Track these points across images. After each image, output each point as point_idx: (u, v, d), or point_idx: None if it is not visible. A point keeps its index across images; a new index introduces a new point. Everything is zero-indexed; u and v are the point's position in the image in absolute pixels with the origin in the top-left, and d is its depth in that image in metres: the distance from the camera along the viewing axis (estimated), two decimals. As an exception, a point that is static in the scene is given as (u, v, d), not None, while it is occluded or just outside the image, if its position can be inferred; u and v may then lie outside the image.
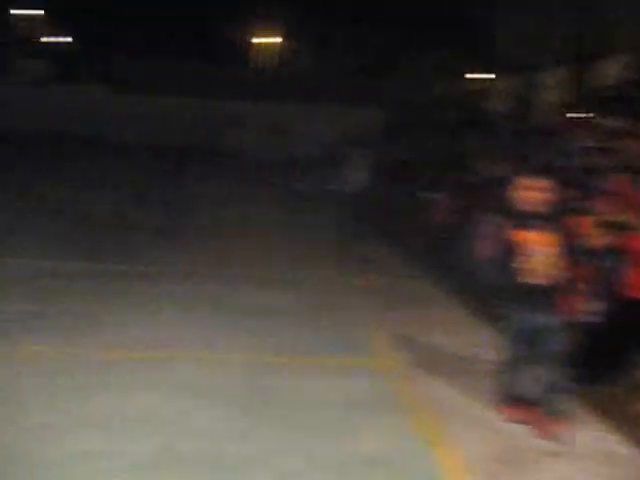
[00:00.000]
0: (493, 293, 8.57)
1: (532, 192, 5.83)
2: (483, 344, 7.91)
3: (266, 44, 36.34)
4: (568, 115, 16.21)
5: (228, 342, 7.58)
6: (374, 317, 8.98)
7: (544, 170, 10.70)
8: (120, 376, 6.43)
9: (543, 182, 5.85)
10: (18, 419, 5.46)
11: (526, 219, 5.84)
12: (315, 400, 6.22)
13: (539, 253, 5.81)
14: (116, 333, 7.57)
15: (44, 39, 37.52)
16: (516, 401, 6.05)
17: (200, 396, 6.10)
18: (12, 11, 36.79)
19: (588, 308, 7.42)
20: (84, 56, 36.18)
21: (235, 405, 5.99)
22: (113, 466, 4.86)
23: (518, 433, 5.79)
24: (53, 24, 37.20)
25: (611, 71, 16.81)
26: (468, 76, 30.15)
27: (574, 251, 7.67)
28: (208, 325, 8.12)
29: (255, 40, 35.78)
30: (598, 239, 7.61)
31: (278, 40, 36.16)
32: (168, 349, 7.21)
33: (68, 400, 5.85)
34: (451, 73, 30.02)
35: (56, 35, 37.55)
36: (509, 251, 5.84)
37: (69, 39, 37.38)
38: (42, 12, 36.70)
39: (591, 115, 14.74)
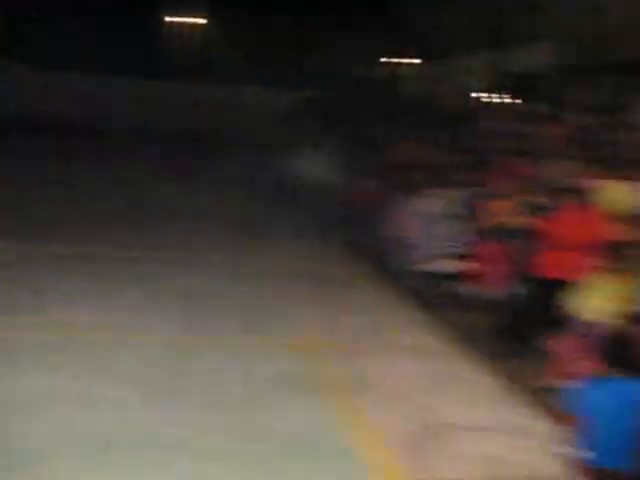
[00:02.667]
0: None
1: None
2: (400, 324, 8.12)
3: (187, 24, 35.76)
4: (486, 99, 16.51)
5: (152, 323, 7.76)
6: (296, 299, 9.10)
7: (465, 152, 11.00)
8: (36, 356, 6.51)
9: None
10: None
11: None
12: (235, 380, 6.30)
13: None
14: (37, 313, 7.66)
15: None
16: None
17: (118, 378, 6.19)
18: None
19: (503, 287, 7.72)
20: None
21: (156, 386, 6.13)
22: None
23: (438, 409, 6.04)
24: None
25: (530, 57, 17.18)
26: (389, 60, 30.25)
27: (492, 232, 7.99)
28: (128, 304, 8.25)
29: (175, 20, 35.15)
30: (516, 220, 7.93)
31: (200, 21, 35.60)
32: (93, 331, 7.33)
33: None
34: (372, 57, 30.05)
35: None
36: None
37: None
38: None
39: (509, 100, 15.05)
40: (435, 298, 9.04)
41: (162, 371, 6.48)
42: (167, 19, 35.46)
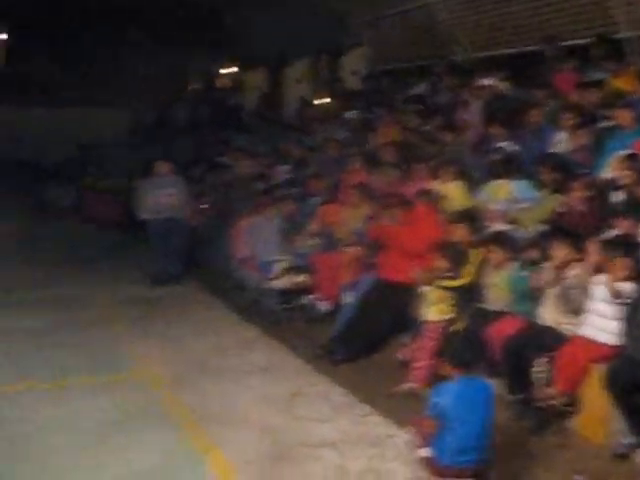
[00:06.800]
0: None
1: None
2: (250, 342, 7.92)
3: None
4: (314, 108, 16.60)
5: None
6: (136, 328, 8.85)
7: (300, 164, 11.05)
8: None
9: None
10: None
11: None
12: (74, 424, 6.07)
13: None
14: None
15: None
16: None
17: None
18: None
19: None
20: None
21: None
22: None
23: (286, 430, 5.93)
24: None
25: (354, 64, 17.50)
26: (217, 72, 29.92)
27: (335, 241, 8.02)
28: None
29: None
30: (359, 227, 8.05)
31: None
32: None
33: None
34: (196, 69, 29.59)
35: None
36: None
37: None
38: None
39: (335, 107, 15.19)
40: (279, 314, 8.95)
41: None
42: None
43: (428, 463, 4.78)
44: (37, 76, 30.32)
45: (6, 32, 31.71)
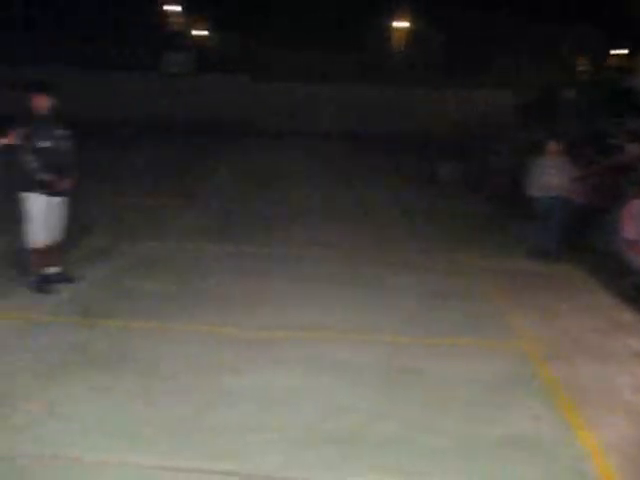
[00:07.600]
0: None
1: None
2: (628, 326, 7.87)
3: (397, 28, 36.12)
4: None
5: (372, 322, 7.98)
6: (513, 300, 9.07)
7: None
8: (266, 354, 6.93)
9: None
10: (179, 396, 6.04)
11: None
12: (456, 381, 6.53)
13: None
14: (253, 313, 8.11)
15: (190, 32, 39.20)
16: None
17: (343, 375, 6.49)
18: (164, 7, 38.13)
19: None
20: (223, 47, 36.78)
21: (377, 385, 6.38)
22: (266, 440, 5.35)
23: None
24: (193, 17, 38.85)
25: None
26: (610, 52, 28.90)
27: None
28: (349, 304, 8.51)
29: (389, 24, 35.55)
30: None
31: (406, 24, 35.77)
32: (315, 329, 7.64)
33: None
34: (592, 50, 28.86)
35: (196, 28, 39.23)
36: None
37: (205, 32, 38.93)
38: (179, 7, 37.75)
39: None
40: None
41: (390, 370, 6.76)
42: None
43: None
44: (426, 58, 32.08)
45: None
